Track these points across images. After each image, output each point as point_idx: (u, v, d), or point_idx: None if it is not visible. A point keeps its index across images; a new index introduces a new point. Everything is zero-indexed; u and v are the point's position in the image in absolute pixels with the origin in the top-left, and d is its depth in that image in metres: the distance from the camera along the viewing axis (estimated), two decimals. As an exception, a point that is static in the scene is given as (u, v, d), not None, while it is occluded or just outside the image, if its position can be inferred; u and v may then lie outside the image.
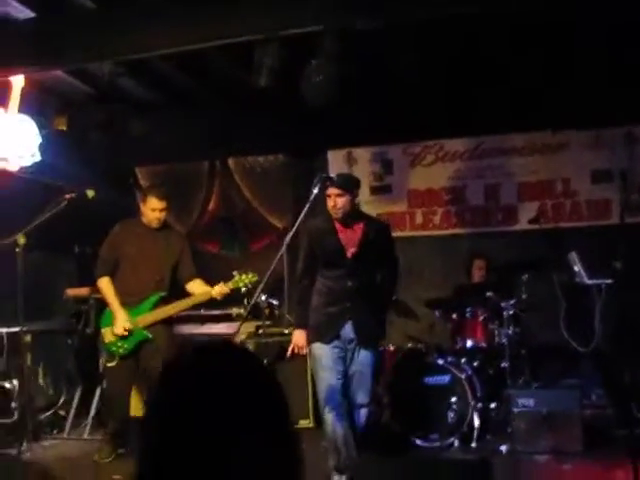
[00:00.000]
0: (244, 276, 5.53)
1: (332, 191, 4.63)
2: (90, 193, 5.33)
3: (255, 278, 5.52)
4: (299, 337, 4.80)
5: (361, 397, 4.80)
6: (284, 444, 1.36)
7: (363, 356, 4.75)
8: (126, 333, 5.49)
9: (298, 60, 4.84)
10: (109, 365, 5.64)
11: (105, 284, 5.67)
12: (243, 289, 5.57)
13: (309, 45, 4.74)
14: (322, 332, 4.71)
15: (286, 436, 1.37)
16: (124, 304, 5.57)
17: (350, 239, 4.76)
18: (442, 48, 6.22)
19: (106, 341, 5.62)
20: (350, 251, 4.71)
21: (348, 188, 4.69)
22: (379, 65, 6.33)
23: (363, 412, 4.85)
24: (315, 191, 4.18)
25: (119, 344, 5.56)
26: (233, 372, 1.37)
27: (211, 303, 7.30)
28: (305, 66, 4.84)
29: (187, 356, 1.44)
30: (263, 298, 4.11)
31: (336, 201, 4.63)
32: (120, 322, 5.49)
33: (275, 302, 4.43)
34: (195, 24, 4.80)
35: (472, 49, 6.42)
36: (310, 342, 4.76)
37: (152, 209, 5.61)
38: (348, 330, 4.69)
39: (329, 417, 4.61)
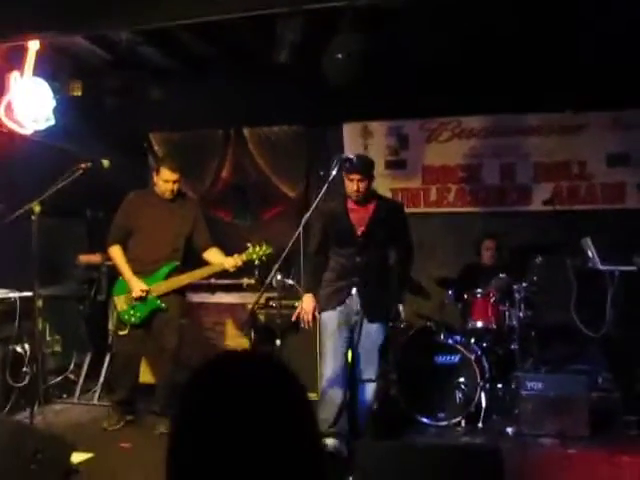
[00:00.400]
0: (258, 248, 5.51)
1: (355, 176, 4.72)
2: (106, 162, 5.29)
3: (269, 250, 5.50)
4: (307, 301, 4.93)
5: (368, 372, 4.88)
6: (308, 454, 1.37)
7: (371, 331, 4.85)
8: (144, 294, 5.51)
9: (320, 36, 4.78)
10: (120, 333, 5.66)
11: (117, 252, 5.67)
12: (257, 261, 5.56)
13: (332, 21, 4.68)
14: (329, 300, 4.87)
15: (310, 447, 1.37)
16: (137, 273, 5.58)
17: (361, 218, 4.87)
18: (461, 25, 6.14)
19: (119, 309, 5.64)
20: (360, 229, 4.82)
21: (370, 173, 4.83)
22: (398, 41, 6.25)
23: (369, 388, 4.92)
24: (333, 173, 4.14)
25: (132, 312, 5.58)
26: (257, 380, 1.37)
27: (222, 272, 7.34)
28: (326, 42, 4.78)
29: (212, 364, 1.43)
30: (279, 277, 4.07)
31: (359, 186, 4.74)
32: (136, 286, 5.52)
33: (290, 282, 4.40)
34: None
35: (493, 27, 6.32)
36: (319, 312, 4.88)
37: (165, 180, 5.60)
38: (355, 301, 4.83)
39: (331, 381, 4.71)
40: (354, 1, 4.54)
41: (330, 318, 4.82)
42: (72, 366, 6.78)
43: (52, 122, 6.04)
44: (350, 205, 4.89)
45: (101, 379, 6.53)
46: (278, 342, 3.90)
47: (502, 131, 7.43)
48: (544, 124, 7.33)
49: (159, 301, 5.56)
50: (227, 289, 7.28)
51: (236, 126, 8.16)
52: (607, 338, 6.03)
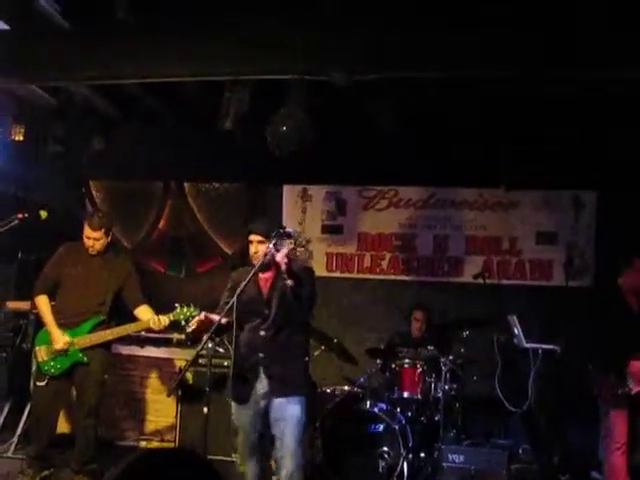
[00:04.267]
0: (185, 309, 5.49)
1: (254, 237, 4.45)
2: (43, 214, 5.30)
3: (196, 312, 5.50)
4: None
5: (289, 453, 4.37)
6: None
7: (283, 407, 4.41)
8: (67, 347, 5.44)
9: (267, 104, 4.90)
10: (38, 384, 5.56)
11: (42, 302, 5.62)
12: (183, 322, 5.54)
13: (278, 92, 4.80)
14: (235, 391, 4.49)
15: None
16: (62, 325, 5.51)
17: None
18: (403, 100, 6.35)
19: (39, 360, 5.54)
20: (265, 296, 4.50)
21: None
22: (342, 113, 6.46)
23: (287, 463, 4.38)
24: (271, 245, 4.12)
25: (52, 364, 5.50)
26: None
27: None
28: (272, 111, 4.90)
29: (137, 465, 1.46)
30: (210, 345, 4.06)
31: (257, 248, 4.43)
32: (59, 339, 5.44)
33: (222, 350, 4.35)
34: (168, 58, 4.82)
35: (433, 103, 6.57)
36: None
37: (86, 236, 5.62)
38: (262, 383, 4.42)
39: (245, 467, 4.45)
40: (294, 75, 4.70)
41: (238, 415, 4.45)
42: (-11, 415, 6.58)
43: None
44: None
45: (19, 430, 6.33)
46: (205, 410, 3.88)
47: (437, 203, 7.64)
48: (478, 199, 7.56)
49: (81, 354, 5.49)
50: (156, 343, 7.23)
51: (177, 179, 8.20)
52: (528, 413, 6.19)
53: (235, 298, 4.02)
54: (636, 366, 5.05)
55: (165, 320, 5.49)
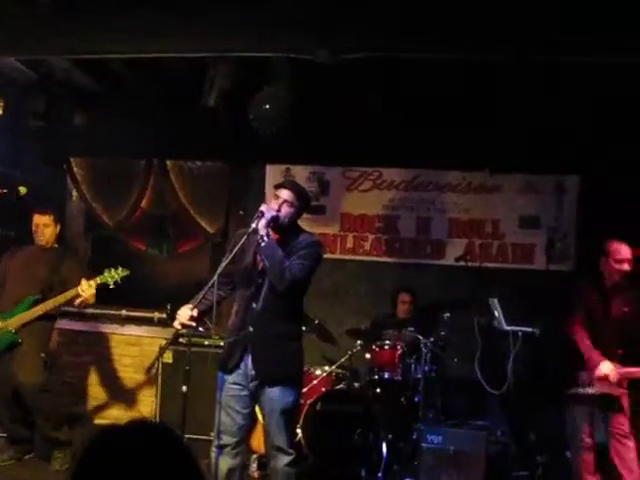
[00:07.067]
0: (113, 271, 5.44)
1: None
2: (22, 190, 5.30)
3: (125, 273, 5.46)
4: (183, 309, 4.16)
5: (278, 441, 4.22)
6: None
7: (274, 396, 4.18)
8: None
9: (249, 83, 4.86)
10: None
11: None
12: (112, 285, 5.48)
13: (261, 71, 4.77)
14: (224, 359, 4.29)
15: None
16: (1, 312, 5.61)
17: None
18: (387, 81, 6.33)
19: None
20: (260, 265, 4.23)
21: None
22: (325, 92, 6.42)
23: (282, 457, 4.22)
24: (253, 225, 4.07)
25: None
26: (148, 452, 1.40)
27: (134, 304, 7.28)
28: (255, 90, 4.86)
29: (103, 438, 1.45)
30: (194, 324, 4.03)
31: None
32: None
33: (202, 329, 4.30)
34: (152, 33, 4.76)
35: (418, 86, 6.55)
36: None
37: (35, 225, 5.71)
38: (250, 363, 4.18)
39: (212, 453, 4.18)
40: (280, 53, 4.66)
41: (223, 383, 4.19)
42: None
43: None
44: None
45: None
46: (184, 388, 3.87)
47: (421, 185, 7.61)
48: (462, 182, 7.54)
49: (14, 335, 5.53)
50: (138, 322, 7.24)
51: (159, 157, 8.13)
52: (507, 394, 6.22)
53: (216, 277, 3.95)
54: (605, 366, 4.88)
55: (92, 284, 5.40)
